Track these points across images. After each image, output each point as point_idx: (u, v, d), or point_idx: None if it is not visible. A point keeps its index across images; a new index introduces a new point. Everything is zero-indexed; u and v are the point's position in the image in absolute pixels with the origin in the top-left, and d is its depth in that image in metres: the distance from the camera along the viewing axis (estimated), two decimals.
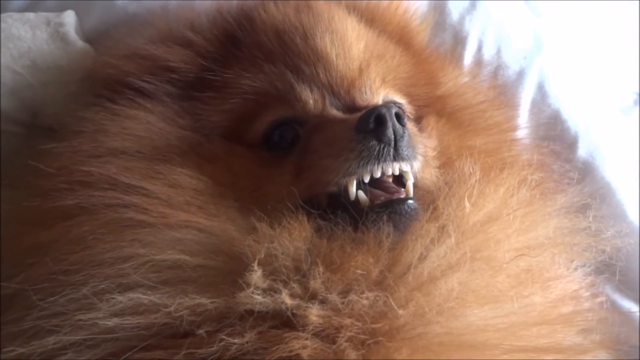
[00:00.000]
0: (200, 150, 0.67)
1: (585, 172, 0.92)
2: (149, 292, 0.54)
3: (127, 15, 0.84)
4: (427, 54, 0.84)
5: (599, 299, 0.74)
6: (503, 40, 0.98)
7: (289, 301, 0.53)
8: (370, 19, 0.79)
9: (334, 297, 0.54)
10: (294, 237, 0.58)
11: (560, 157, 0.92)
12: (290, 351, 0.51)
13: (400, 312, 0.54)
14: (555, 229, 0.67)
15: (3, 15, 0.79)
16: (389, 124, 0.61)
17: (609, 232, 0.73)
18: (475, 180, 0.65)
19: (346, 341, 0.52)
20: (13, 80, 0.74)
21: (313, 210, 0.61)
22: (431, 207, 0.63)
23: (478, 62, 0.96)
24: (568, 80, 1.00)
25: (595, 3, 1.30)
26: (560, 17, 1.17)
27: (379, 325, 0.53)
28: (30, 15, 0.79)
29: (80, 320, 0.54)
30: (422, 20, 0.88)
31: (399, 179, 0.63)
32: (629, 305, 0.86)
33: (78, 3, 0.84)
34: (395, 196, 0.61)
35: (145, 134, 0.67)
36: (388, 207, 0.60)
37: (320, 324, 0.53)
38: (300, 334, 0.52)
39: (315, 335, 0.53)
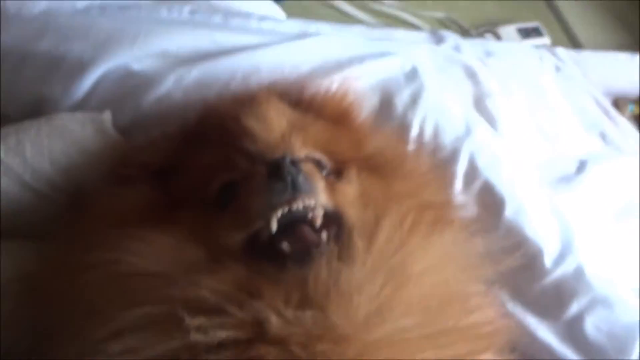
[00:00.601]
0: (168, 217, 0.83)
1: (510, 229, 1.10)
2: (134, 339, 0.66)
3: (151, 114, 1.08)
4: (355, 127, 1.02)
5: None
6: (439, 126, 1.18)
7: (221, 333, 0.64)
8: (300, 104, 0.99)
9: (287, 312, 0.67)
10: (221, 278, 0.69)
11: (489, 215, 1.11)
12: (255, 357, 0.63)
13: (338, 321, 0.65)
14: (453, 252, 0.82)
15: (59, 114, 1.03)
16: (285, 168, 0.75)
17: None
18: (369, 218, 0.80)
19: (298, 348, 0.64)
20: (67, 162, 0.96)
21: (250, 254, 0.76)
22: (345, 238, 0.77)
23: (419, 143, 1.17)
24: (495, 156, 1.20)
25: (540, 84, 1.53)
26: (506, 97, 1.40)
27: (321, 333, 0.65)
28: (80, 114, 1.03)
29: None
30: (357, 106, 1.07)
31: (323, 227, 0.78)
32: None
33: (113, 105, 1.08)
34: (309, 245, 0.75)
35: (130, 209, 0.85)
36: (302, 252, 0.73)
37: (277, 334, 0.64)
38: (262, 344, 0.64)
39: (274, 343, 0.64)
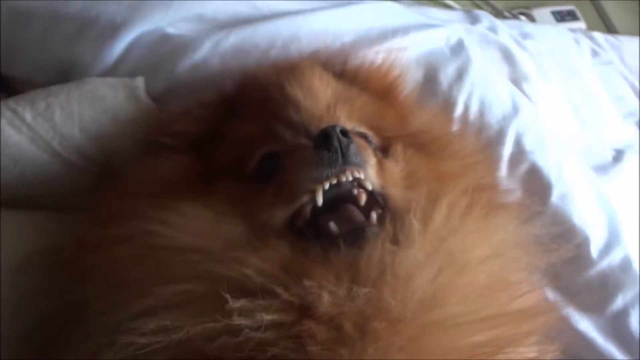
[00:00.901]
0: (206, 189, 0.79)
1: (557, 215, 1.05)
2: (169, 317, 0.63)
3: (186, 82, 1.03)
4: (399, 101, 0.98)
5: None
6: (485, 104, 1.14)
7: (267, 317, 0.61)
8: (344, 76, 0.95)
9: (339, 290, 0.63)
10: (266, 257, 0.67)
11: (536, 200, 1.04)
12: (301, 335, 0.61)
13: (393, 302, 0.63)
14: (509, 239, 0.78)
15: (89, 79, 0.99)
16: (334, 137, 0.71)
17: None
18: (424, 199, 0.76)
19: (349, 327, 0.62)
20: (98, 130, 0.92)
21: (293, 232, 0.71)
22: (396, 219, 0.72)
23: (464, 121, 1.12)
24: (542, 138, 1.15)
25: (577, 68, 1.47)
26: (543, 81, 1.35)
27: (375, 313, 0.63)
28: (111, 79, 0.99)
29: (124, 339, 0.62)
30: (403, 81, 1.02)
31: (368, 206, 0.74)
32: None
33: (147, 72, 1.03)
34: (359, 225, 0.71)
35: (166, 179, 0.82)
36: (353, 233, 0.70)
37: (328, 312, 0.62)
38: (311, 321, 0.62)
39: (323, 322, 0.62)
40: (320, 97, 0.85)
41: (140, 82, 1.00)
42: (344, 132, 0.74)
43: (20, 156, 0.92)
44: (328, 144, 0.72)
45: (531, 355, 0.70)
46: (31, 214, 0.92)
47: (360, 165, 0.74)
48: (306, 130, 0.81)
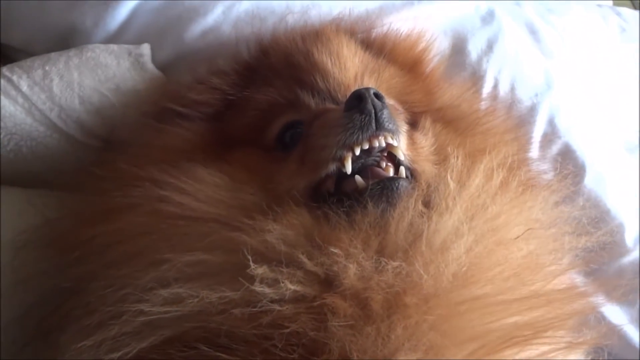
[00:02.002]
0: (223, 156, 0.75)
1: (590, 199, 0.99)
2: (183, 287, 0.59)
3: (195, 50, 0.96)
4: (426, 73, 0.92)
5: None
6: (517, 79, 1.06)
7: (291, 287, 0.58)
8: (372, 45, 0.90)
9: (366, 262, 0.59)
10: (288, 224, 0.63)
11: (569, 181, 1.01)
12: (323, 311, 0.56)
13: (425, 277, 0.58)
14: (544, 219, 0.73)
15: (91, 46, 0.91)
16: (368, 99, 0.66)
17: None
18: (460, 162, 0.71)
19: (376, 303, 0.57)
20: (99, 101, 0.86)
21: (318, 200, 0.67)
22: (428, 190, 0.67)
23: (494, 97, 1.04)
24: (576, 116, 1.07)
25: (604, 46, 1.39)
26: (569, 58, 1.25)
27: (405, 288, 0.58)
28: (114, 46, 0.92)
29: (133, 310, 0.59)
30: (431, 52, 0.96)
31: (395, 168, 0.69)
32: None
33: (152, 39, 0.96)
34: (388, 179, 0.66)
35: (180, 147, 0.78)
36: (381, 184, 0.65)
37: (353, 287, 0.58)
38: (335, 296, 0.57)
39: (348, 297, 0.58)
40: (348, 66, 0.80)
41: (146, 49, 0.93)
42: (378, 96, 0.69)
43: (16, 129, 0.85)
44: (361, 107, 0.67)
45: (566, 340, 0.65)
46: (28, 191, 0.86)
47: (394, 132, 0.70)
48: (333, 98, 0.76)
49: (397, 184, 0.66)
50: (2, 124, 0.84)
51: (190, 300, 0.58)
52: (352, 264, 0.59)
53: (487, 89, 1.06)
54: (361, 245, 0.61)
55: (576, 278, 0.83)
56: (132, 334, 0.59)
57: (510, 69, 1.07)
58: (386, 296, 0.58)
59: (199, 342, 0.57)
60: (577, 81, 1.24)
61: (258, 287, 0.57)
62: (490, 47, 1.08)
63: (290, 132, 0.76)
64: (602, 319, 0.90)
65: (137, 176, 0.71)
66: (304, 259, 0.59)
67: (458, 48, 1.08)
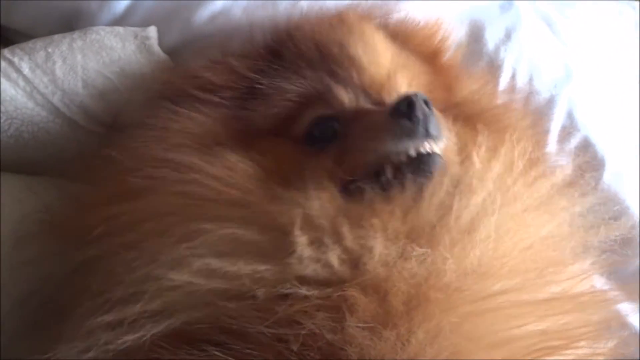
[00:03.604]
0: (251, 145, 0.73)
1: (609, 195, 0.96)
2: (215, 260, 0.59)
3: (204, 34, 0.93)
4: (445, 67, 0.90)
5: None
6: (535, 69, 1.03)
7: (335, 262, 0.57)
8: (396, 36, 0.86)
9: (392, 246, 0.58)
10: (324, 199, 0.62)
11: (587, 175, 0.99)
12: (341, 307, 0.54)
13: (450, 260, 0.57)
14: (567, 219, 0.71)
15: (95, 28, 0.88)
16: (418, 105, 0.66)
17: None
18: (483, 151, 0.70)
19: (396, 297, 0.55)
20: (103, 85, 0.82)
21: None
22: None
23: (511, 88, 1.01)
24: (595, 110, 1.04)
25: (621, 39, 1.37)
26: (587, 45, 1.22)
27: (427, 281, 0.56)
28: (120, 29, 0.88)
29: (159, 282, 0.58)
30: (449, 42, 0.93)
31: None
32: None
33: (159, 22, 0.92)
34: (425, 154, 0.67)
35: (201, 132, 0.74)
36: (418, 158, 0.66)
37: (376, 272, 0.56)
38: (351, 287, 0.56)
39: (368, 289, 0.56)
40: (382, 62, 0.78)
41: (152, 32, 0.89)
42: (426, 102, 0.67)
43: (17, 114, 0.82)
44: (411, 114, 0.66)
45: (592, 351, 0.64)
46: (30, 178, 0.83)
47: (439, 139, 0.68)
48: (367, 95, 0.75)
49: (434, 159, 0.66)
50: (2, 108, 0.80)
51: (221, 272, 0.58)
52: (379, 244, 0.58)
53: (504, 79, 1.02)
54: (393, 222, 0.59)
55: (599, 281, 0.80)
56: (151, 315, 0.57)
57: (529, 59, 1.04)
58: (408, 289, 0.56)
59: (209, 343, 0.54)
60: (594, 74, 1.22)
61: (297, 260, 0.57)
62: (508, 35, 1.05)
63: (319, 126, 0.74)
64: (621, 323, 0.88)
65: (157, 158, 0.69)
66: (345, 231, 0.59)
67: (475, 36, 1.05)
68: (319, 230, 0.59)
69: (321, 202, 0.62)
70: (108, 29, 0.88)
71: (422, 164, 0.65)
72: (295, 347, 0.53)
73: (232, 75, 0.80)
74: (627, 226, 0.93)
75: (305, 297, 0.55)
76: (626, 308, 0.87)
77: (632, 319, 0.89)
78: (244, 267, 0.57)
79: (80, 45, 0.83)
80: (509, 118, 0.88)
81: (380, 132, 0.67)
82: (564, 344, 0.58)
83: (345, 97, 0.74)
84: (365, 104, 0.74)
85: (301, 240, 0.58)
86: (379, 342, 0.52)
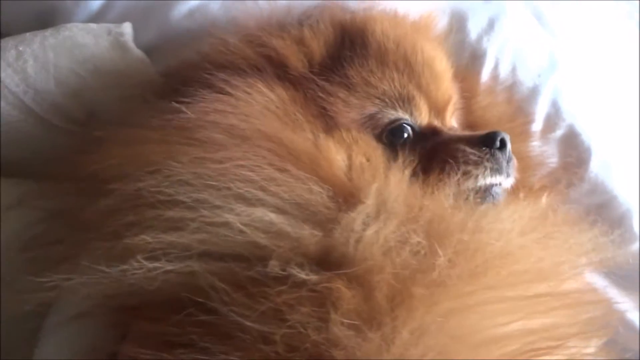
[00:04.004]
0: (333, 134, 0.73)
1: (596, 184, 0.96)
2: (273, 214, 0.59)
3: (182, 30, 0.91)
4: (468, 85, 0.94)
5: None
6: (518, 59, 1.01)
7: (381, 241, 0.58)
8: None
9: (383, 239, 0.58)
10: (401, 182, 0.66)
11: (573, 166, 0.97)
12: (325, 301, 0.54)
13: (439, 261, 0.57)
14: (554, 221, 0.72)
15: (68, 25, 0.86)
16: (509, 146, 0.75)
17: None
18: None
19: (381, 292, 0.55)
20: (77, 83, 0.81)
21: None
22: None
23: (494, 78, 1.00)
24: (581, 98, 1.03)
25: (611, 24, 1.35)
26: (575, 37, 1.19)
27: (415, 275, 0.56)
28: (93, 25, 0.87)
29: (206, 219, 0.58)
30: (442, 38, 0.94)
31: None
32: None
33: (136, 19, 0.91)
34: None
35: (275, 109, 0.72)
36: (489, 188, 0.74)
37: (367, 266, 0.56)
38: (338, 278, 0.55)
39: (350, 281, 0.55)
40: (446, 85, 0.85)
41: (127, 28, 0.88)
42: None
43: None
44: (503, 151, 0.76)
45: (591, 352, 0.64)
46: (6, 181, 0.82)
47: (510, 175, 0.77)
48: (434, 113, 0.81)
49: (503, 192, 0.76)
50: None
51: (274, 228, 0.57)
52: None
53: (487, 69, 1.01)
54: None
55: (595, 279, 0.81)
56: (180, 249, 0.57)
57: (512, 48, 1.03)
58: (394, 282, 0.55)
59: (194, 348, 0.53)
60: (582, 63, 1.20)
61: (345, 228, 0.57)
62: (491, 25, 1.03)
63: (395, 130, 0.78)
64: (616, 316, 0.86)
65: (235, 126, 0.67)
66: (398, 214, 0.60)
67: (458, 26, 1.03)
68: (382, 207, 0.61)
69: (397, 183, 0.65)
70: (81, 25, 0.87)
71: (494, 195, 0.75)
72: (281, 349, 0.51)
73: (305, 51, 0.79)
74: (615, 217, 0.94)
75: (298, 284, 0.54)
76: (626, 304, 0.87)
77: (632, 315, 0.89)
78: (299, 232, 0.57)
79: (52, 43, 0.82)
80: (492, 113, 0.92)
81: (482, 160, 0.75)
82: (553, 344, 0.58)
83: (424, 109, 0.79)
84: (437, 122, 0.81)
85: (363, 208, 0.60)
86: (364, 343, 0.51)
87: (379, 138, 0.77)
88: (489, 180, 0.74)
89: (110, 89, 0.83)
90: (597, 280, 0.86)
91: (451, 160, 0.74)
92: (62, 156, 0.77)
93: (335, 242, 0.58)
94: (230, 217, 0.58)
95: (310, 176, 0.63)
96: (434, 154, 0.76)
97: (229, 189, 0.60)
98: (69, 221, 0.68)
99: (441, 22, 1.00)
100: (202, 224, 0.58)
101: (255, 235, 0.57)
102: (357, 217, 0.59)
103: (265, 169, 0.62)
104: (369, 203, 0.61)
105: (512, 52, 1.02)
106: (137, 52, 0.86)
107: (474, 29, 1.03)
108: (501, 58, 1.02)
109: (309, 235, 0.58)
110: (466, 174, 0.73)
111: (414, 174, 0.72)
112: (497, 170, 0.75)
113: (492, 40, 1.02)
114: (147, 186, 0.60)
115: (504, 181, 0.76)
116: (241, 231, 0.57)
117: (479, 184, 0.74)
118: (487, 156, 0.75)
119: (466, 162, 0.74)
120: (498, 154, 0.75)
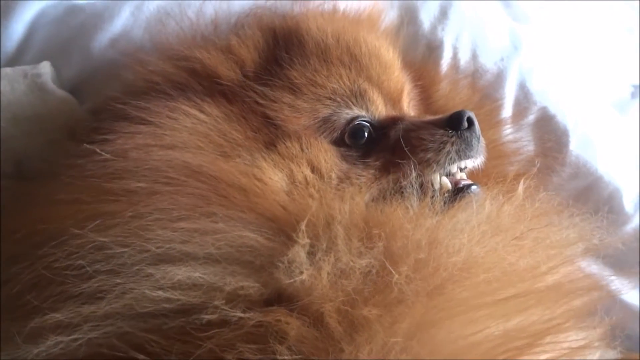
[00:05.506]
0: (276, 145, 0.68)
1: (578, 166, 0.91)
2: (201, 267, 0.54)
3: (106, 61, 0.85)
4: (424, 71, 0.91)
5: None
6: (478, 44, 0.96)
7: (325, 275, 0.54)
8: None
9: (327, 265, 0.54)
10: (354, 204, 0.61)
11: (552, 151, 0.92)
12: (277, 331, 0.51)
13: (396, 277, 0.54)
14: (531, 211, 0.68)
15: None
16: (477, 124, 0.71)
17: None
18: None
19: (332, 318, 0.52)
20: None
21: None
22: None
23: (455, 68, 0.94)
24: (552, 77, 0.98)
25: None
26: (545, 12, 1.16)
27: (367, 297, 0.53)
28: (8, 69, 0.80)
29: (126, 287, 0.53)
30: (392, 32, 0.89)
31: None
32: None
33: (56, 55, 0.85)
34: (467, 182, 0.72)
35: (205, 131, 0.67)
36: (464, 189, 0.70)
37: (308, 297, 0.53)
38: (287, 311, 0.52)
39: (302, 312, 0.52)
40: (399, 69, 0.81)
41: (45, 67, 0.82)
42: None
43: None
44: (472, 131, 0.72)
45: (578, 343, 0.60)
46: None
47: (480, 154, 0.74)
48: (390, 104, 0.77)
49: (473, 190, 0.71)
50: None
51: (200, 288, 0.53)
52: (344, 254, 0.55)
53: (445, 60, 0.95)
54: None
55: (590, 266, 0.78)
56: (100, 317, 0.53)
57: (470, 34, 0.97)
58: (347, 308, 0.51)
59: None
60: (552, 40, 1.15)
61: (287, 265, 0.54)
62: (444, 13, 0.98)
63: (354, 129, 0.74)
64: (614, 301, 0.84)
65: (153, 161, 0.62)
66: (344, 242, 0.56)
67: (409, 19, 0.97)
68: (325, 232, 0.57)
69: (346, 198, 0.61)
70: None
71: (468, 192, 0.70)
72: None
73: (234, 59, 0.74)
74: (602, 199, 0.88)
75: (238, 323, 0.51)
76: (623, 286, 0.83)
77: (630, 297, 0.86)
78: (232, 282, 0.53)
79: None
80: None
81: (444, 144, 0.71)
82: (527, 342, 0.55)
83: (380, 102, 0.75)
84: (395, 112, 0.76)
85: (302, 242, 0.56)
86: None
87: (339, 142, 0.73)
88: (456, 164, 0.72)
89: (33, 135, 0.77)
90: (592, 265, 0.82)
91: (409, 153, 0.71)
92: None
93: (278, 282, 0.54)
94: (149, 285, 0.53)
95: (243, 215, 0.57)
96: (397, 147, 0.72)
97: (147, 251, 0.54)
98: None
99: (390, 16, 0.95)
100: (121, 294, 0.53)
101: (185, 295, 0.53)
102: (298, 250, 0.55)
103: (191, 217, 0.56)
104: (311, 232, 0.56)
105: (470, 38, 0.97)
106: (59, 92, 0.80)
107: (426, 20, 0.97)
108: (459, 46, 0.96)
109: (246, 283, 0.53)
110: (423, 162, 0.70)
111: (374, 180, 0.70)
112: (465, 151, 0.72)
113: (447, 28, 0.97)
114: (52, 262, 0.55)
115: (472, 163, 0.73)
116: (167, 297, 0.52)
117: (445, 170, 0.71)
118: (453, 139, 0.71)
119: (425, 150, 0.71)
120: (466, 134, 0.71)
